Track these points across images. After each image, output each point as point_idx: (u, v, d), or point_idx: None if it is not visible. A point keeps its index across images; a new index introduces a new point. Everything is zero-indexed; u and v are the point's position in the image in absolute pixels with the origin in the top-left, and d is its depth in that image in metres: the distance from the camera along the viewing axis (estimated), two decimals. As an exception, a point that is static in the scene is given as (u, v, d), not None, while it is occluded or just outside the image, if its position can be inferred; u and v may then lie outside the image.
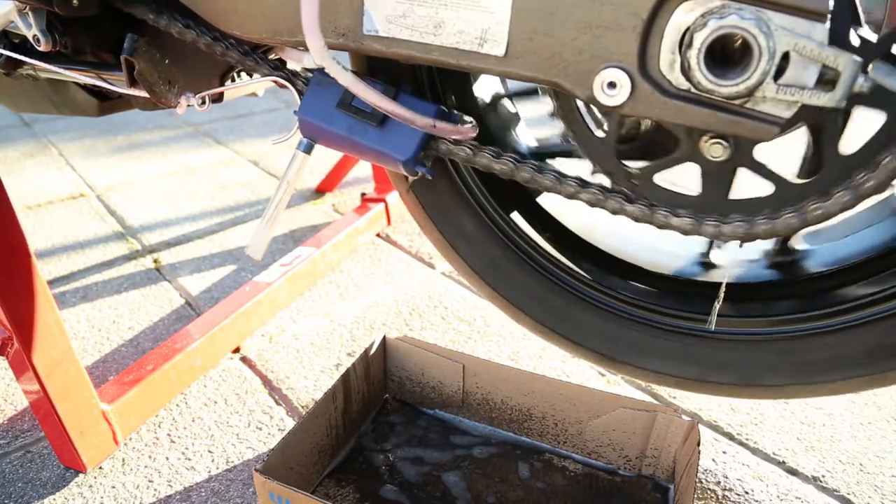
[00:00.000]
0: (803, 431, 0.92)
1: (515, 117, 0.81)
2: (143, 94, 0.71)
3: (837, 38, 0.49)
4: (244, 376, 1.07)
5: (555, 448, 0.88)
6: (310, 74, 0.65)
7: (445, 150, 0.62)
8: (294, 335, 1.17)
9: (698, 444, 0.74)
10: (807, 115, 0.54)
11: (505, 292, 0.76)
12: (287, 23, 0.58)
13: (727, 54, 0.45)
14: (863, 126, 0.59)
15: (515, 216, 0.76)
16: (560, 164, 0.72)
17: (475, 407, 0.91)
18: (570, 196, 0.58)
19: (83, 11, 0.67)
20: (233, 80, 0.84)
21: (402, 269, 1.39)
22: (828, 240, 0.70)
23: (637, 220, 0.57)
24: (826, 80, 0.43)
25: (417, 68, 0.68)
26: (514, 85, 0.78)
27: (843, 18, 0.50)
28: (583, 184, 0.58)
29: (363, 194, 1.62)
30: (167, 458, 0.91)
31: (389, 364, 0.95)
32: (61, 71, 0.75)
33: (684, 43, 0.45)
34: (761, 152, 0.58)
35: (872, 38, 0.51)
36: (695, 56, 0.44)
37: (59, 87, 0.87)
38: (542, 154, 0.79)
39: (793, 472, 0.85)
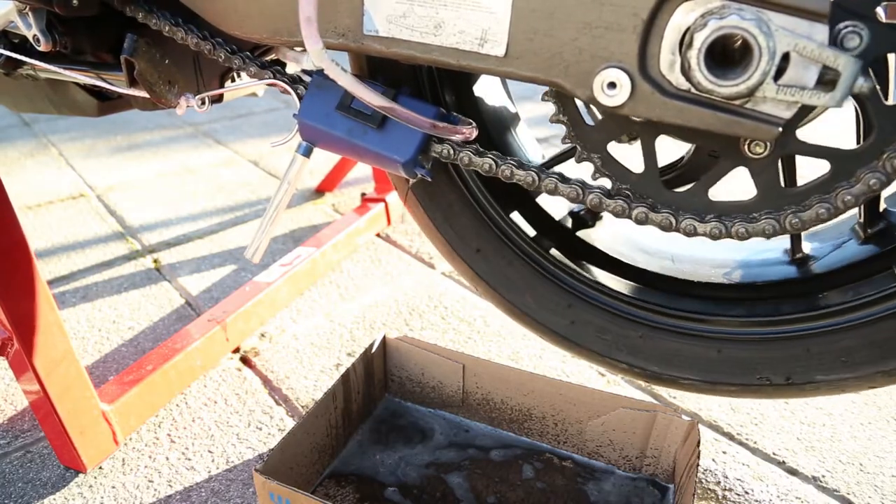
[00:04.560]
0: (803, 431, 0.92)
1: (515, 118, 0.81)
2: (143, 94, 0.71)
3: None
4: (244, 376, 1.07)
5: (555, 448, 0.88)
6: (308, 78, 0.65)
7: (446, 152, 0.61)
8: (294, 335, 1.17)
9: (698, 444, 0.74)
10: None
11: (507, 294, 0.75)
12: (287, 23, 0.58)
13: (727, 55, 0.46)
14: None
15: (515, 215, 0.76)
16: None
17: (475, 407, 0.91)
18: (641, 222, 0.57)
19: (83, 11, 0.67)
20: (232, 81, 0.84)
21: (402, 269, 1.39)
22: None
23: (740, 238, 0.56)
24: (826, 80, 0.43)
25: (417, 70, 0.68)
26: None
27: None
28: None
29: (363, 194, 1.62)
30: (167, 458, 0.91)
31: (389, 364, 0.95)
32: (61, 71, 0.75)
33: (684, 43, 0.45)
34: (805, 133, 0.54)
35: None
36: (695, 56, 0.44)
37: (59, 87, 0.87)
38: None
39: (793, 472, 0.85)
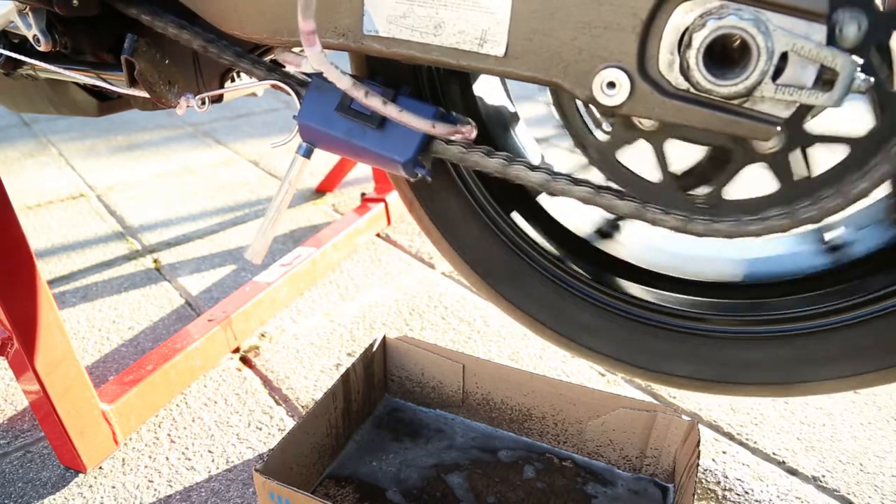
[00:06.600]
0: (803, 431, 0.92)
1: (514, 117, 0.81)
2: (143, 94, 0.71)
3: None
4: (244, 376, 1.07)
5: (555, 448, 0.88)
6: (308, 79, 0.65)
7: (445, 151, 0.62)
8: (294, 335, 1.17)
9: (698, 444, 0.74)
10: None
11: (508, 294, 0.76)
12: (287, 23, 0.58)
13: (726, 54, 0.46)
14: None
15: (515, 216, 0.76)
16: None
17: (475, 407, 0.91)
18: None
19: (83, 11, 0.67)
20: (233, 81, 0.84)
21: (402, 269, 1.39)
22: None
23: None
24: (824, 79, 0.43)
25: (417, 69, 0.68)
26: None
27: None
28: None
29: (363, 194, 1.62)
30: (167, 458, 0.91)
31: (389, 364, 0.95)
32: (61, 71, 0.75)
33: (683, 43, 0.45)
34: (813, 123, 0.55)
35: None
36: (694, 56, 0.45)
37: (59, 87, 0.87)
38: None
39: (793, 472, 0.85)
